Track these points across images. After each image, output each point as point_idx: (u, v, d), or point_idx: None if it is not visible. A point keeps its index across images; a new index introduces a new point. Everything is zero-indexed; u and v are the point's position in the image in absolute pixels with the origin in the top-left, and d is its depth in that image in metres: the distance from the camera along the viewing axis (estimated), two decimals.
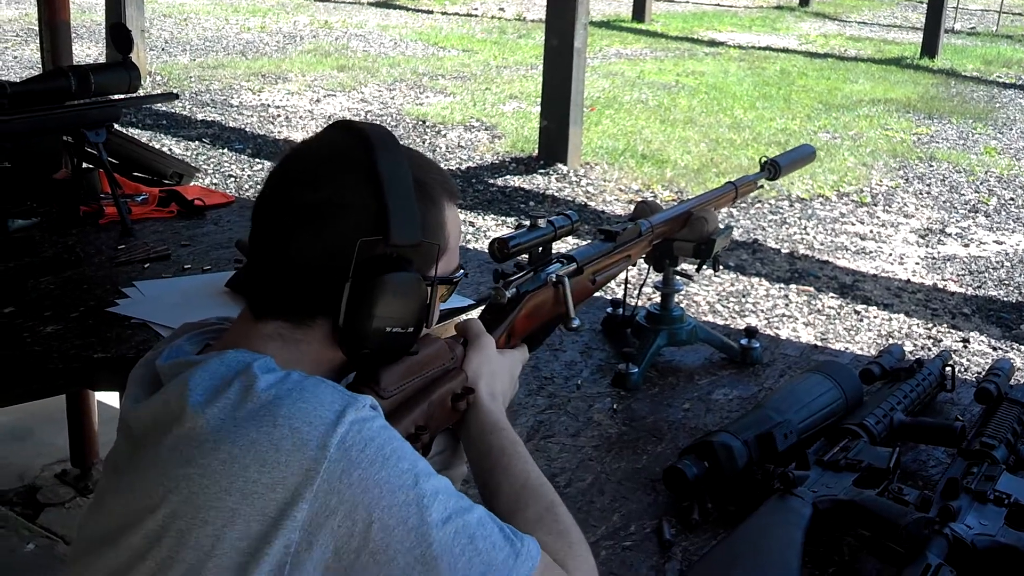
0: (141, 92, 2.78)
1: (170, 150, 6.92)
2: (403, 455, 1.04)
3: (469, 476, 1.31)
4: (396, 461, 1.02)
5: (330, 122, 1.22)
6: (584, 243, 1.70)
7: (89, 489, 3.25)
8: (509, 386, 1.38)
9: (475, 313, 1.47)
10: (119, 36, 2.55)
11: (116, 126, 2.75)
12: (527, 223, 1.51)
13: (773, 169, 2.24)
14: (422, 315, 1.17)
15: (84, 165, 2.67)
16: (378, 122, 8.02)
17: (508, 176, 7.02)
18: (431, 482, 1.04)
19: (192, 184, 3.09)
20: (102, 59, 9.35)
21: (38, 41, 3.61)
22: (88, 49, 10.51)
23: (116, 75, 2.59)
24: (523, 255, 1.52)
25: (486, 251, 1.51)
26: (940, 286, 5.35)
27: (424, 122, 8.39)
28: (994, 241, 6.14)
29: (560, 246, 1.58)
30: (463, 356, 1.32)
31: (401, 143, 1.18)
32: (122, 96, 2.64)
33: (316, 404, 1.02)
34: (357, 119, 1.23)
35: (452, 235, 1.23)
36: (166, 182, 3.00)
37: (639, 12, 15.61)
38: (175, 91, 8.65)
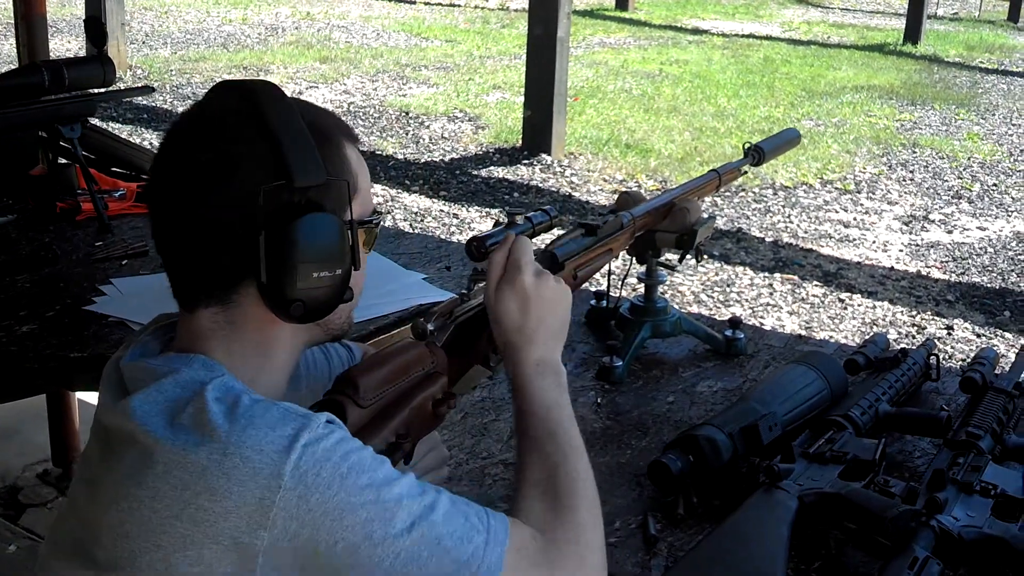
0: (121, 86, 2.75)
1: (151, 144, 6.87)
2: (362, 468, 1.01)
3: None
4: (355, 478, 1.00)
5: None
6: (565, 235, 1.67)
7: None
8: (555, 321, 1.33)
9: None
10: (93, 29, 2.52)
11: (94, 120, 2.72)
12: (505, 220, 1.49)
13: (757, 155, 2.22)
14: (348, 258, 1.13)
15: (60, 161, 2.64)
16: (361, 113, 7.94)
17: (492, 167, 7.00)
18: (393, 490, 1.02)
19: None
20: (82, 53, 9.27)
21: (14, 36, 3.57)
22: (68, 43, 10.43)
23: (90, 69, 2.56)
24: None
25: None
26: (924, 273, 5.36)
27: (407, 113, 8.36)
28: (977, 227, 6.15)
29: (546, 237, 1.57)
30: (445, 359, 1.29)
31: (287, 94, 1.15)
32: (97, 90, 2.61)
33: (268, 430, 1.00)
34: (240, 78, 1.21)
35: (360, 175, 1.19)
36: (144, 177, 2.97)
37: (622, 1, 15.58)
38: (154, 85, 8.59)
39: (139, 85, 7.96)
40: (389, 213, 5.19)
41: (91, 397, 3.36)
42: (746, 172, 2.25)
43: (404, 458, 1.17)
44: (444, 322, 1.33)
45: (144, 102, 8.12)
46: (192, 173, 1.09)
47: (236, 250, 1.08)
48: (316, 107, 1.19)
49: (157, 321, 1.21)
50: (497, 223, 1.47)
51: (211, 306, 1.11)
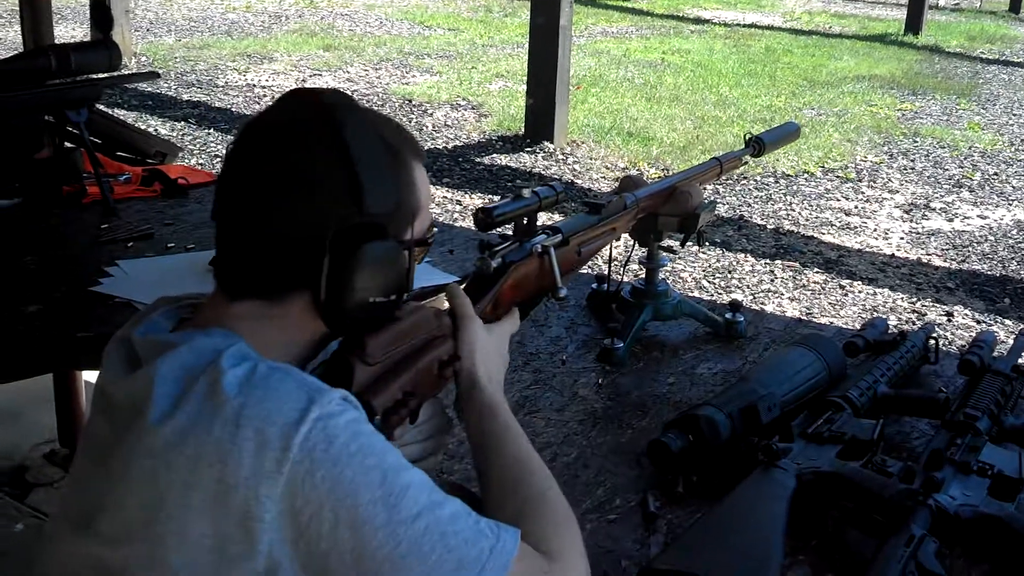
0: (125, 72, 2.76)
1: (156, 130, 6.88)
2: (371, 451, 1.01)
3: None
4: (363, 458, 1.00)
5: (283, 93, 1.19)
6: (569, 217, 1.69)
7: None
8: (500, 362, 1.37)
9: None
10: (99, 15, 2.54)
11: (99, 106, 2.73)
12: (512, 194, 1.50)
13: (758, 146, 2.24)
14: (403, 281, 1.16)
15: (66, 145, 2.65)
16: (364, 101, 7.98)
17: (495, 154, 7.00)
18: (401, 477, 1.01)
19: (176, 163, 3.07)
20: (86, 39, 9.27)
21: (19, 21, 3.58)
22: (72, 30, 10.42)
23: (96, 54, 2.56)
24: (507, 224, 1.51)
25: (472, 228, 1.50)
26: (924, 260, 5.36)
27: (410, 101, 8.36)
28: (978, 216, 6.15)
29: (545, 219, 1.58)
30: (450, 324, 1.31)
31: (361, 104, 1.15)
32: (103, 75, 2.62)
33: (280, 402, 1.00)
34: (312, 87, 1.20)
35: (423, 194, 1.20)
36: (149, 161, 2.99)
37: None
38: (159, 71, 8.59)
39: (145, 71, 7.95)
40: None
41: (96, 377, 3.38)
42: (747, 162, 2.27)
43: (410, 416, 1.19)
44: (502, 262, 1.44)
45: (148, 89, 8.12)
46: (267, 187, 1.09)
47: (298, 263, 1.09)
48: (387, 121, 1.20)
49: (158, 304, 1.20)
50: (504, 196, 1.50)
51: (257, 299, 1.12)
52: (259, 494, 0.97)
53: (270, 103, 1.18)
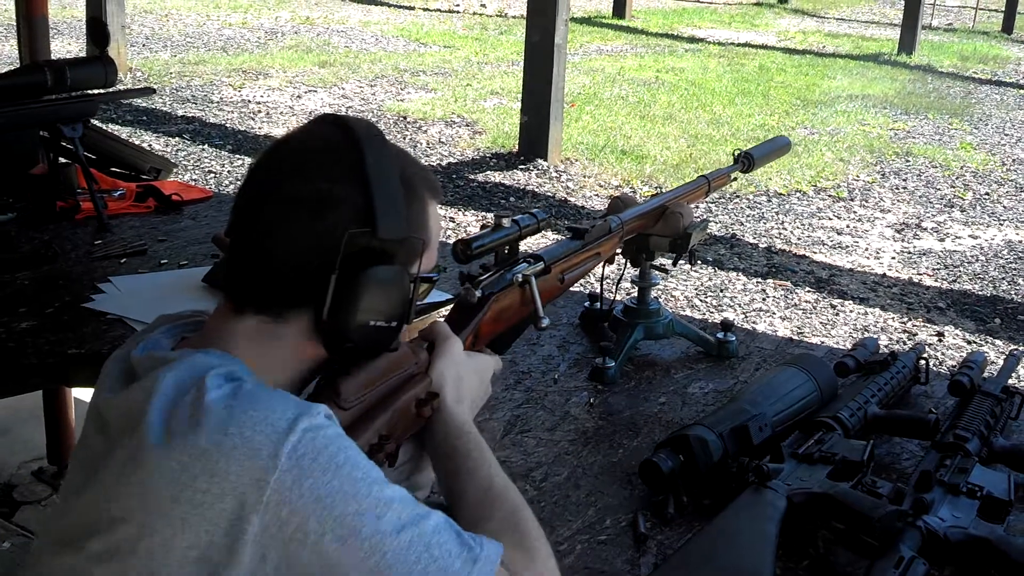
0: (121, 87, 2.76)
1: (150, 146, 6.88)
2: (357, 464, 1.02)
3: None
4: (350, 470, 1.01)
5: (314, 116, 1.21)
6: (553, 242, 1.69)
7: None
8: (479, 390, 1.38)
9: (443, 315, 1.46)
10: (95, 30, 2.54)
11: (94, 121, 2.73)
12: (491, 223, 1.50)
13: (747, 161, 2.25)
14: (403, 310, 1.17)
15: (61, 160, 2.66)
16: (363, 115, 7.99)
17: (489, 172, 7.02)
18: (385, 491, 1.03)
19: (170, 179, 3.08)
20: (82, 55, 9.28)
21: (16, 37, 3.58)
22: (68, 45, 10.43)
23: (92, 70, 2.57)
24: (487, 255, 1.51)
25: None
26: (915, 280, 5.38)
27: (405, 118, 8.38)
28: (969, 235, 6.17)
29: (539, 240, 1.58)
30: (427, 361, 1.30)
31: (387, 138, 1.18)
32: (99, 91, 2.63)
33: (267, 412, 1.01)
34: (341, 112, 1.22)
35: (434, 232, 1.23)
36: (143, 177, 2.99)
37: (619, 9, 15.61)
38: (154, 87, 8.60)
39: (140, 86, 7.96)
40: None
41: (86, 394, 3.37)
42: (736, 178, 2.28)
43: (388, 459, 1.17)
44: (482, 293, 1.41)
45: (143, 104, 8.13)
46: (286, 204, 1.11)
47: (305, 280, 1.11)
48: (409, 158, 1.23)
49: (159, 322, 1.22)
50: (484, 226, 1.49)
51: (262, 313, 1.13)
52: (245, 503, 0.98)
53: (299, 124, 1.19)
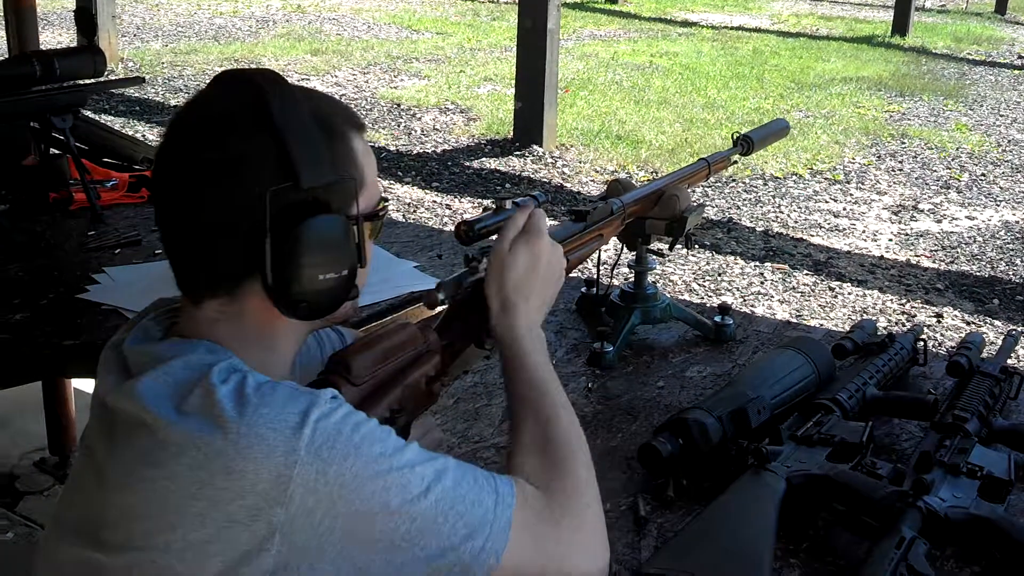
0: (111, 77, 2.75)
1: (143, 136, 6.86)
2: (373, 439, 1.02)
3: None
4: (368, 447, 1.01)
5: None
6: (555, 224, 1.68)
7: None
8: (538, 283, 1.34)
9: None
10: (83, 20, 2.52)
11: (85, 112, 2.72)
12: (493, 206, 1.49)
13: (746, 144, 2.23)
14: (354, 256, 1.13)
15: (52, 151, 2.64)
16: (352, 106, 7.97)
17: (484, 158, 7.01)
18: (404, 456, 1.03)
19: None
20: (72, 45, 9.25)
21: (4, 28, 3.57)
22: (59, 36, 10.40)
23: (81, 60, 2.56)
24: (490, 237, 1.50)
25: None
26: (913, 262, 5.38)
27: (399, 105, 8.36)
28: (966, 217, 6.17)
29: None
30: (437, 341, 1.30)
31: (292, 82, 1.13)
32: (88, 81, 2.61)
33: (278, 409, 1.00)
34: (240, 68, 1.18)
35: (366, 167, 1.18)
36: (136, 167, 2.97)
37: None
38: (145, 76, 8.57)
39: (131, 76, 7.92)
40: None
41: (86, 385, 3.38)
42: (736, 162, 2.27)
43: (400, 434, 1.18)
44: (456, 291, 1.35)
45: (135, 94, 8.10)
46: (198, 172, 1.07)
47: (241, 250, 1.07)
48: (321, 97, 1.16)
49: (156, 306, 1.20)
50: (486, 208, 1.48)
51: (217, 297, 1.10)
52: (267, 499, 0.97)
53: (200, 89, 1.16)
